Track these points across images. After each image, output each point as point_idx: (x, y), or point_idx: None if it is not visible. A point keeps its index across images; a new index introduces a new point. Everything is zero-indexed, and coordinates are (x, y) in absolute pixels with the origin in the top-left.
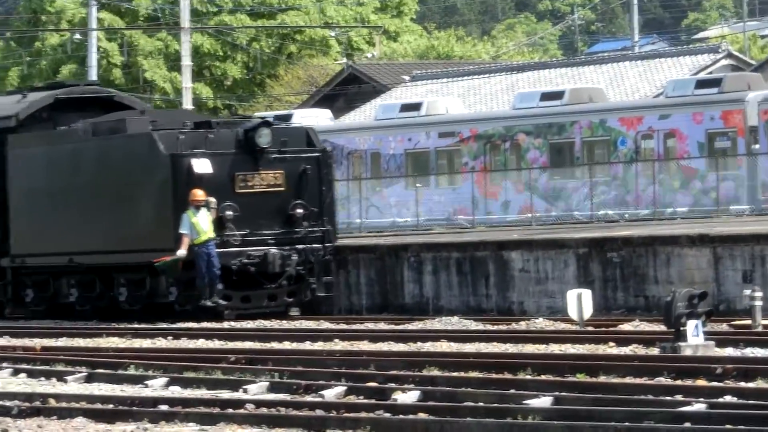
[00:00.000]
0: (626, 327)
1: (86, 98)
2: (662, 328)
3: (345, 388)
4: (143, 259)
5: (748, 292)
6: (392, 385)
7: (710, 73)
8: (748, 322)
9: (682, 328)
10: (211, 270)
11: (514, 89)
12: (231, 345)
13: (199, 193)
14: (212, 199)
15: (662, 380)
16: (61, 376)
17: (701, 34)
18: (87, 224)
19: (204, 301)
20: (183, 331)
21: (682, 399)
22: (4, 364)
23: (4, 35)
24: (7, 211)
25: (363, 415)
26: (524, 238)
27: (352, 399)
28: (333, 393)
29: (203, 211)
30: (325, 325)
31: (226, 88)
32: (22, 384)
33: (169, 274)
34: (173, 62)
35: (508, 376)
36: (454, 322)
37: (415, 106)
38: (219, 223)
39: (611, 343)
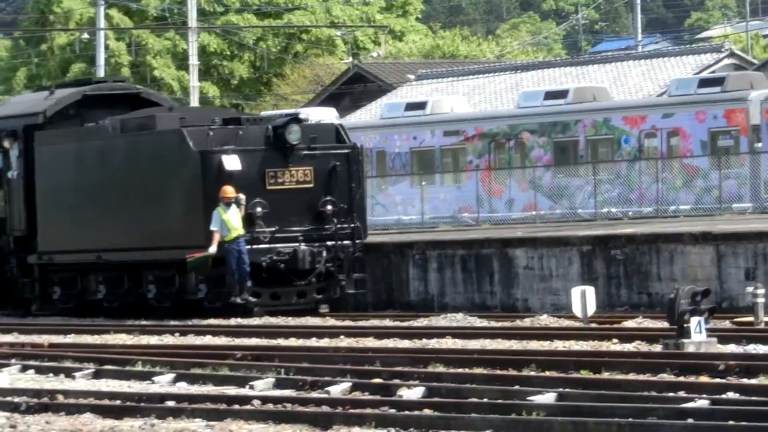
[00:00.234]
0: (629, 324)
1: (113, 95)
2: (665, 325)
3: (350, 384)
4: (173, 256)
5: (750, 289)
6: (397, 381)
7: (713, 72)
8: (751, 319)
9: (685, 325)
10: (242, 267)
11: (518, 88)
12: (237, 341)
13: (229, 190)
14: (242, 196)
15: (665, 377)
16: (69, 373)
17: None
18: (115, 221)
19: (234, 298)
20: (190, 327)
21: (685, 395)
22: (13, 361)
23: (12, 35)
24: (34, 208)
25: (368, 411)
26: (528, 236)
27: (358, 395)
28: (339, 389)
29: (233, 207)
30: (331, 321)
31: (233, 87)
32: (31, 380)
33: (200, 271)
34: (181, 61)
35: (512, 372)
36: (459, 319)
37: (421, 105)
38: (248, 220)
39: (615, 340)
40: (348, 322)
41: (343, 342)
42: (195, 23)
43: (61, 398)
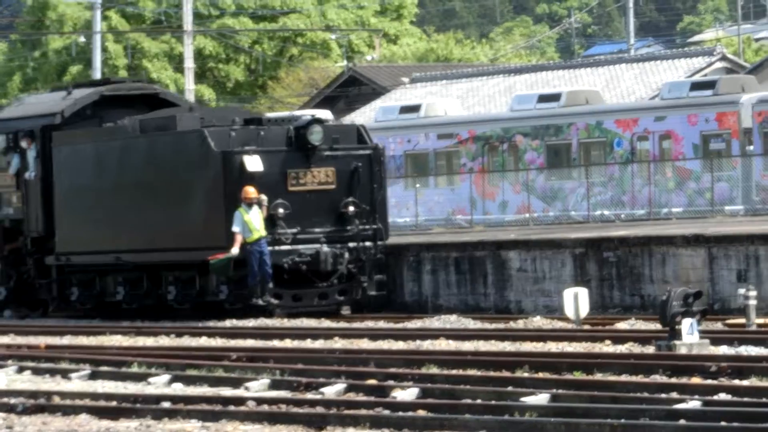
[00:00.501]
0: (622, 325)
1: (131, 95)
2: (658, 326)
3: (345, 385)
4: (193, 257)
5: (742, 291)
6: (392, 382)
7: (705, 75)
8: (743, 320)
9: (677, 327)
10: (264, 268)
11: (511, 91)
12: (233, 343)
13: (251, 191)
14: (263, 197)
15: (657, 378)
16: (65, 374)
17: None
18: (135, 222)
19: (255, 299)
20: (185, 329)
21: (677, 396)
22: (10, 362)
23: (8, 38)
24: (52, 209)
25: (363, 412)
26: (522, 238)
27: (352, 396)
28: (333, 390)
29: (255, 208)
30: (326, 323)
31: (228, 90)
32: (27, 381)
33: (221, 273)
34: (177, 64)
35: (505, 373)
36: (453, 321)
37: (415, 108)
38: (270, 221)
39: (607, 342)
40: (342, 324)
41: (338, 343)
42: (191, 27)
43: (57, 399)
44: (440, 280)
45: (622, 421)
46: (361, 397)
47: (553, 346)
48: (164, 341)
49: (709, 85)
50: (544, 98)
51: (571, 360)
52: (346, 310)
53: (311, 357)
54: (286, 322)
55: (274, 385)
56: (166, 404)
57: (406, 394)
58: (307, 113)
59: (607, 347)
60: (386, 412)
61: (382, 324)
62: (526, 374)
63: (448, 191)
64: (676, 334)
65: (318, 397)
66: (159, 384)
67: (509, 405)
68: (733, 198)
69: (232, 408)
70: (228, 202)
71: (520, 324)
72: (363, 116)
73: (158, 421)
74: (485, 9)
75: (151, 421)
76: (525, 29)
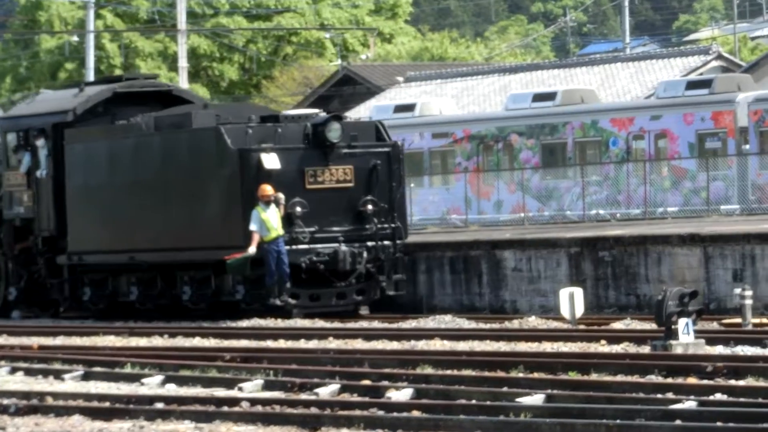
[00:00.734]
0: (618, 325)
1: (144, 92)
2: (653, 326)
3: (339, 386)
4: (209, 256)
5: (738, 290)
6: (386, 383)
7: (701, 74)
8: (738, 320)
9: (673, 327)
10: (281, 268)
11: (506, 90)
12: (226, 343)
13: (268, 189)
14: (281, 195)
15: (653, 378)
16: (58, 375)
17: (692, 36)
18: (149, 221)
19: (273, 299)
20: (178, 329)
21: (673, 397)
22: (2, 363)
23: (1, 38)
24: (64, 207)
25: (357, 412)
26: (517, 238)
27: (346, 397)
28: (327, 391)
29: (272, 207)
30: (320, 323)
31: (222, 89)
32: (20, 382)
33: (238, 272)
34: (171, 63)
35: (500, 374)
36: (448, 321)
37: (409, 107)
38: (288, 220)
39: (603, 342)
40: (336, 324)
41: (332, 344)
42: (184, 26)
43: (50, 400)
44: (435, 280)
45: (618, 421)
46: (355, 398)
47: (548, 346)
48: (157, 341)
49: (705, 84)
50: (539, 97)
51: (566, 360)
52: (364, 310)
53: (305, 357)
54: (280, 323)
55: (268, 386)
56: (159, 405)
57: (401, 394)
58: (295, 114)
59: (603, 347)
60: (381, 412)
61: (376, 324)
62: (521, 374)
63: (443, 190)
64: (671, 334)
65: (312, 397)
66: (152, 385)
67: (504, 405)
68: (728, 197)
69: (225, 409)
70: (245, 200)
71: (515, 324)
72: (357, 115)
73: (151, 422)
74: (480, 8)
75: (145, 421)
76: (520, 28)
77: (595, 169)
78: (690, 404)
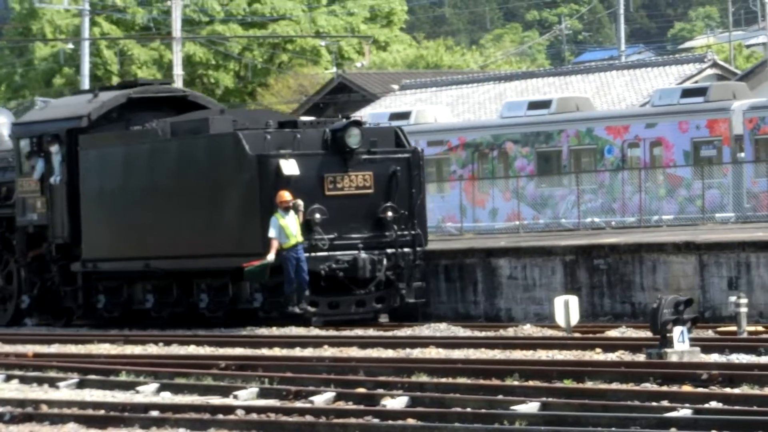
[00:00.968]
0: (613, 333)
1: (159, 98)
2: (648, 334)
3: (334, 393)
4: (227, 263)
5: (733, 298)
6: (381, 391)
7: (696, 82)
8: (734, 328)
9: (668, 335)
10: (300, 275)
11: (501, 98)
12: (221, 351)
13: (286, 195)
14: (300, 202)
15: (648, 386)
16: (53, 382)
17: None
18: (165, 227)
19: (292, 307)
20: (173, 337)
21: (668, 405)
22: None
23: None
24: (78, 214)
25: (352, 420)
26: (512, 246)
27: (342, 405)
28: (322, 399)
29: (291, 213)
30: (315, 331)
31: (217, 97)
32: (15, 390)
33: (257, 280)
34: (167, 71)
35: (495, 382)
36: (443, 329)
37: (404, 115)
38: (307, 227)
39: (598, 350)
40: (332, 332)
41: (327, 351)
42: (179, 33)
43: (45, 408)
44: (430, 288)
45: (613, 429)
46: (350, 406)
47: (543, 354)
48: (152, 349)
49: (700, 91)
50: (534, 105)
51: (561, 368)
52: (383, 318)
53: (300, 365)
54: (275, 330)
55: (263, 394)
56: (154, 413)
57: (396, 402)
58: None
59: (598, 355)
60: (376, 420)
61: (371, 332)
62: (516, 382)
63: (438, 198)
64: (666, 342)
65: (307, 405)
66: (147, 393)
67: (499, 413)
68: (724, 205)
69: (220, 417)
70: (263, 207)
71: (510, 332)
72: None
73: (146, 430)
74: (475, 16)
75: (139, 429)
76: (515, 36)
77: (590, 177)
78: (685, 412)
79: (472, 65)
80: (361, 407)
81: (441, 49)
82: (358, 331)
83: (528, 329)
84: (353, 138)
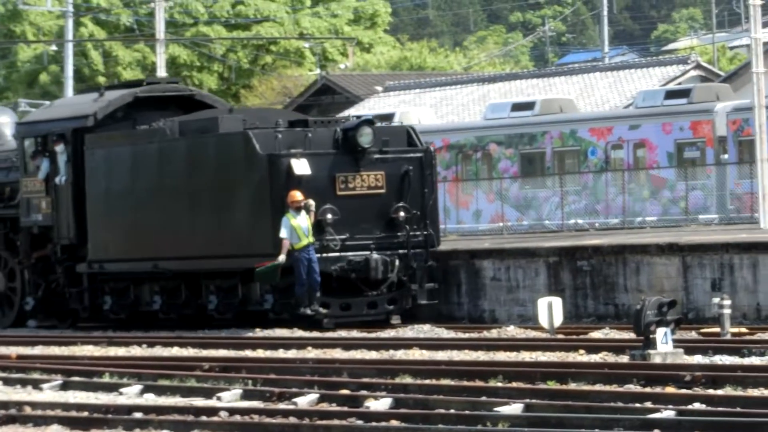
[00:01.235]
0: (596, 335)
1: (165, 96)
2: (632, 335)
3: (318, 395)
4: (237, 264)
5: (716, 300)
6: (365, 392)
7: (679, 84)
8: (717, 329)
9: (651, 336)
10: (312, 276)
11: (485, 100)
12: (205, 353)
13: (298, 195)
14: (311, 201)
15: (632, 387)
16: (36, 384)
17: (670, 46)
18: (174, 228)
19: (303, 309)
20: (157, 339)
21: (652, 406)
22: None
23: None
24: (84, 214)
25: (335, 422)
26: (495, 247)
27: (325, 406)
28: (306, 400)
29: (303, 214)
30: (299, 333)
31: None
32: None
33: (268, 281)
34: (150, 72)
35: (479, 383)
36: (427, 330)
37: (388, 117)
38: (318, 227)
39: (581, 351)
40: (315, 334)
41: (311, 353)
42: (163, 35)
43: (28, 410)
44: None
45: (596, 430)
46: (334, 407)
47: (526, 356)
48: (136, 351)
49: (684, 93)
50: (517, 107)
51: (544, 369)
52: (395, 320)
53: (284, 367)
54: (258, 332)
55: (247, 396)
56: (137, 415)
57: (379, 404)
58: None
59: (581, 357)
60: (359, 422)
61: (355, 333)
62: (499, 384)
63: None
64: (650, 344)
65: (291, 407)
66: (131, 394)
67: (483, 415)
68: (707, 207)
69: (204, 418)
70: (274, 207)
71: (493, 333)
72: None
73: None
74: (459, 18)
75: (123, 431)
76: (499, 38)
77: (573, 179)
78: (668, 413)
79: (455, 67)
80: (345, 409)
81: (425, 50)
82: (342, 333)
83: (512, 331)
84: (365, 137)
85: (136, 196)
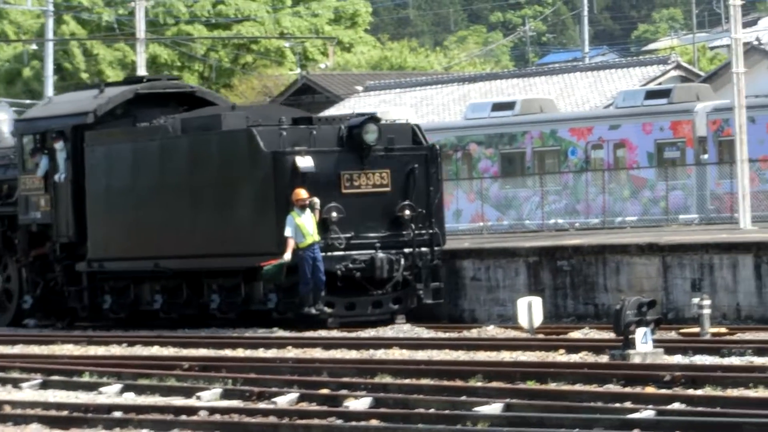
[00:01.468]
0: (576, 335)
1: (166, 93)
2: (612, 335)
3: (298, 395)
4: (240, 263)
5: (696, 300)
6: (344, 392)
7: (660, 84)
8: (697, 329)
9: (631, 336)
10: (317, 275)
11: (465, 100)
12: (185, 352)
13: (303, 193)
14: (316, 200)
15: (611, 387)
16: (16, 383)
17: (651, 46)
18: (176, 226)
19: (307, 308)
20: (137, 338)
21: (631, 406)
22: None
23: None
24: (84, 212)
25: (315, 421)
26: (475, 247)
27: (305, 406)
28: (286, 400)
29: (307, 212)
30: (279, 332)
31: None
32: None
33: (273, 280)
34: (131, 72)
35: (459, 383)
36: (406, 330)
37: None
38: (323, 226)
39: (561, 351)
40: (295, 333)
41: (291, 353)
42: (143, 34)
43: (8, 409)
44: None
45: (576, 430)
46: (313, 407)
47: (506, 355)
48: (116, 350)
49: (664, 93)
50: (498, 107)
51: (524, 369)
52: (400, 319)
53: (264, 366)
54: (238, 332)
55: (227, 395)
56: (117, 414)
57: (359, 403)
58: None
59: (561, 356)
60: (339, 421)
61: (335, 333)
62: (479, 383)
63: None
64: (629, 344)
65: (270, 406)
66: (110, 393)
67: (462, 414)
68: (687, 207)
69: (183, 418)
70: (278, 205)
71: (473, 333)
72: None
73: (110, 431)
74: (439, 17)
75: (103, 430)
76: (479, 37)
77: (554, 179)
78: (648, 413)
79: (436, 67)
80: (325, 408)
81: (405, 50)
82: (322, 332)
83: (491, 330)
84: (370, 134)
85: (136, 193)
